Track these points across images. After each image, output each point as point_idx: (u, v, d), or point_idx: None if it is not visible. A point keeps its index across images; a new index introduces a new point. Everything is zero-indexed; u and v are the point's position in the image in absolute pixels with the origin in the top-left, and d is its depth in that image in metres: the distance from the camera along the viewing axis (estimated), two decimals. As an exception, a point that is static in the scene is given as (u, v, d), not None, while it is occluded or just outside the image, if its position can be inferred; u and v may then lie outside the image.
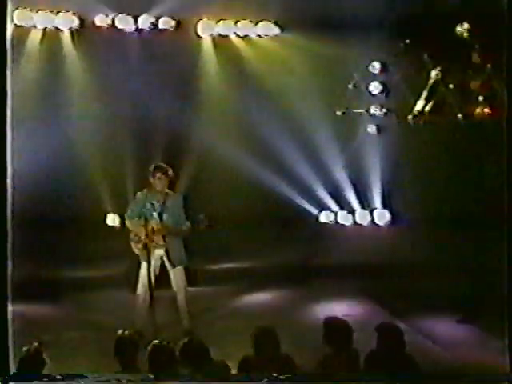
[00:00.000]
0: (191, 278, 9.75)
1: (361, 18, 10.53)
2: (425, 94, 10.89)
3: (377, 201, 11.63)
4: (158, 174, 9.32)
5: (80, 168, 11.16)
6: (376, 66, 11.31)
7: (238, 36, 11.41)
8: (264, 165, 11.25)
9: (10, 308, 7.04)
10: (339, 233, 11.67)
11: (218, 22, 11.31)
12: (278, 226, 11.33)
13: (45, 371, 6.77)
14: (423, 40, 10.58)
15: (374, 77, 11.37)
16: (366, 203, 11.70)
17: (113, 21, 11.14)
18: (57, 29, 11.09)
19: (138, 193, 9.48)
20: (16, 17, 10.61)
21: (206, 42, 11.41)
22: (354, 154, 11.47)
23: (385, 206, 11.62)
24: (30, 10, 10.83)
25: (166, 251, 9.32)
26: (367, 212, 11.70)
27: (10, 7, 7.46)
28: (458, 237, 10.14)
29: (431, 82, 10.83)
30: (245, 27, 11.37)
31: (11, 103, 7.20)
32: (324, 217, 11.80)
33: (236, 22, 11.35)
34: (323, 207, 11.78)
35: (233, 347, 7.84)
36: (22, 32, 10.78)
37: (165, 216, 9.28)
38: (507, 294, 6.74)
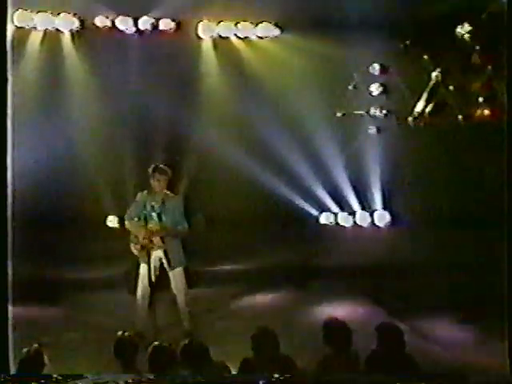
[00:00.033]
0: (191, 279, 9.75)
1: (361, 19, 10.52)
2: (425, 95, 10.88)
3: (377, 202, 11.62)
4: (157, 176, 9.34)
5: (80, 168, 11.16)
6: (376, 68, 11.29)
7: (239, 37, 11.40)
8: (264, 166, 11.25)
9: (10, 309, 7.06)
10: (339, 234, 11.66)
11: (219, 23, 11.30)
12: (278, 226, 11.32)
13: (45, 372, 6.78)
14: (423, 41, 10.59)
15: (374, 78, 11.35)
16: (366, 204, 11.69)
17: (113, 22, 11.14)
18: (57, 30, 11.08)
19: (138, 193, 9.51)
20: (16, 18, 10.62)
21: (207, 44, 11.40)
22: (354, 155, 11.45)
23: (385, 207, 11.60)
24: (31, 12, 10.82)
25: (165, 252, 9.33)
26: (367, 213, 11.69)
27: (10, 8, 7.51)
28: (458, 237, 10.14)
29: (431, 83, 10.82)
30: (245, 28, 11.36)
31: (12, 104, 7.22)
32: (324, 218, 11.79)
33: (236, 24, 11.34)
34: (323, 208, 11.77)
35: (233, 348, 7.84)
36: (22, 33, 10.78)
37: (164, 217, 9.30)
38: (507, 294, 6.76)
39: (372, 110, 11.43)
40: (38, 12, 10.89)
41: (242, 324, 9.09)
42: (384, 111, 11.39)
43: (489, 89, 10.37)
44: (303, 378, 6.84)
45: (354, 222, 11.76)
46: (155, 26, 11.17)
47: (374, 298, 10.25)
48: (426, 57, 10.74)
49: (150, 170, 9.39)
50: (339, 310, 9.83)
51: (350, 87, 11.34)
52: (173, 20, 11.19)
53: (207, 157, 11.40)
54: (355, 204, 11.71)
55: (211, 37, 11.36)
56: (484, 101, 10.43)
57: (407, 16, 10.39)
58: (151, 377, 6.65)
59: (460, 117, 10.64)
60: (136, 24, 11.17)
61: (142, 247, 9.27)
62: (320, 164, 11.47)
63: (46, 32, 11.05)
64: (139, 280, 9.43)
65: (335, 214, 11.79)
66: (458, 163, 10.75)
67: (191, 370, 6.68)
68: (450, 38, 10.33)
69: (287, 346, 7.11)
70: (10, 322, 7.10)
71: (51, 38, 11.08)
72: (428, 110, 10.88)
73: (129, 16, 11.16)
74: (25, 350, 6.87)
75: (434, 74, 10.79)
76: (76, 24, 11.05)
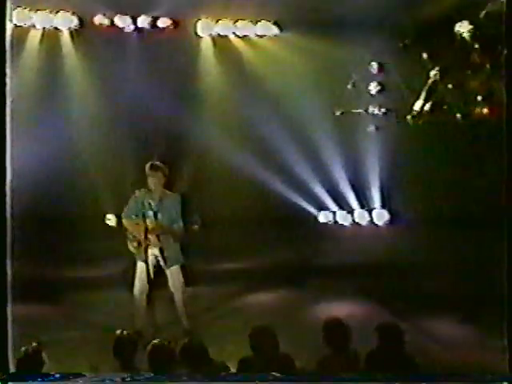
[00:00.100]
0: (190, 278, 9.75)
1: (360, 18, 10.52)
2: (424, 93, 10.88)
3: (376, 200, 11.63)
4: (152, 173, 9.35)
5: (80, 168, 11.16)
6: (375, 66, 11.30)
7: (238, 36, 11.40)
8: (263, 164, 11.25)
9: (9, 308, 7.06)
10: (338, 233, 11.67)
11: (218, 21, 11.30)
12: (277, 225, 11.32)
13: (44, 371, 6.78)
14: (422, 40, 10.59)
15: (373, 76, 11.35)
16: (364, 203, 11.70)
17: (112, 20, 11.13)
18: (56, 29, 11.06)
19: (137, 191, 9.49)
20: (15, 17, 10.58)
21: (206, 42, 11.40)
22: (353, 154, 11.46)
23: (384, 205, 11.62)
24: (29, 10, 10.81)
25: (161, 250, 9.34)
26: (366, 212, 11.70)
27: (9, 7, 7.49)
28: (458, 237, 10.14)
29: (430, 81, 10.82)
30: (244, 27, 11.36)
31: (10, 103, 7.21)
32: (323, 217, 11.79)
33: (235, 22, 11.34)
34: (322, 207, 11.78)
35: (232, 347, 7.85)
36: (21, 32, 10.75)
37: (160, 215, 9.30)
38: (507, 293, 6.76)
39: (371, 109, 11.44)
40: (37, 10, 10.87)
41: (241, 323, 9.08)
42: (383, 109, 11.40)
43: (487, 87, 10.37)
44: (303, 378, 6.85)
45: (353, 221, 11.77)
46: (154, 25, 11.17)
47: (373, 297, 10.24)
48: (424, 55, 10.74)
49: (147, 167, 9.41)
50: (338, 308, 9.84)
51: (349, 86, 11.34)
52: (172, 18, 11.19)
53: (206, 155, 11.40)
54: (354, 202, 11.72)
55: (210, 35, 11.36)
56: (483, 99, 10.43)
57: (406, 15, 10.40)
58: (150, 375, 6.66)
59: (459, 115, 10.63)
60: (135, 22, 11.16)
61: (139, 245, 9.29)
62: (319, 162, 11.48)
63: (44, 30, 11.03)
64: (136, 278, 9.44)
65: (334, 213, 11.79)
66: (456, 161, 10.74)
67: (190, 369, 6.68)
68: (449, 36, 10.33)
69: (287, 345, 7.12)
70: (9, 321, 7.09)
71: (50, 36, 11.05)
72: (427, 108, 10.88)
73: (128, 14, 11.16)
74: (24, 348, 6.88)
75: (432, 73, 10.79)
76: (75, 22, 11.03)
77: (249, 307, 10.38)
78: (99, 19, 11.07)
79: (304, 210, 11.70)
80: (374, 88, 11.39)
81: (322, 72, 11.24)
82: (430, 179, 10.89)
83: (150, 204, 9.30)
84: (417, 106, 10.92)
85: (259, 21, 11.33)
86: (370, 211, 11.69)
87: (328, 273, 10.81)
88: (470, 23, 10.23)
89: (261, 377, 6.55)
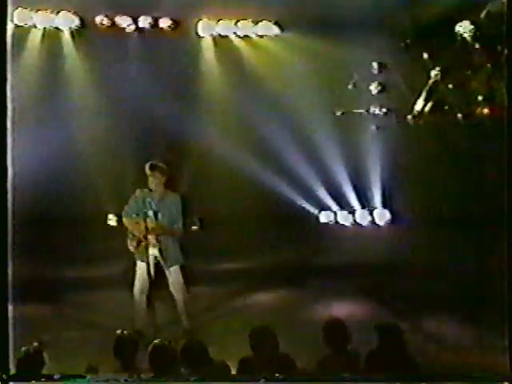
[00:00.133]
0: (190, 278, 9.75)
1: (361, 18, 10.51)
2: (424, 93, 10.87)
3: (377, 200, 11.63)
4: (152, 173, 9.36)
5: (80, 168, 11.15)
6: (376, 66, 11.29)
7: (238, 36, 11.39)
8: (264, 165, 11.25)
9: (10, 308, 7.06)
10: (339, 233, 11.67)
11: (218, 21, 11.29)
12: (278, 225, 11.32)
13: (44, 371, 6.79)
14: (423, 40, 10.59)
15: (373, 77, 11.35)
16: (365, 203, 11.70)
17: (113, 20, 11.12)
18: (57, 28, 11.06)
19: (137, 190, 9.50)
20: (16, 16, 10.59)
21: (206, 42, 11.39)
22: (354, 154, 11.45)
23: (385, 205, 11.61)
24: (30, 10, 10.81)
25: (160, 251, 9.34)
26: (367, 212, 11.70)
27: (10, 7, 7.50)
28: (458, 237, 10.13)
29: (431, 81, 10.82)
30: (245, 27, 11.35)
31: (11, 103, 7.21)
32: (324, 217, 11.79)
33: (236, 22, 11.33)
34: (323, 207, 11.77)
35: (232, 347, 7.84)
36: (22, 32, 10.75)
37: (160, 215, 9.30)
38: (507, 293, 6.76)
39: (372, 109, 11.43)
40: (38, 10, 10.87)
41: (241, 323, 9.07)
42: (384, 109, 11.39)
43: (488, 87, 10.36)
44: (303, 377, 6.86)
45: (354, 221, 11.77)
46: (155, 25, 11.16)
47: (373, 297, 10.26)
48: (425, 55, 10.74)
49: (146, 167, 9.42)
50: (339, 308, 9.85)
51: (350, 86, 11.33)
52: (172, 18, 11.18)
53: (206, 155, 11.40)
54: (355, 202, 11.72)
55: (211, 35, 11.35)
56: (483, 99, 10.42)
57: (407, 15, 10.40)
58: (151, 375, 6.67)
59: (459, 115, 10.62)
60: (136, 22, 11.16)
61: (138, 244, 9.29)
62: (319, 162, 11.47)
63: (45, 30, 11.03)
64: (136, 278, 9.45)
65: (335, 213, 11.79)
66: (457, 161, 10.74)
67: (191, 369, 6.69)
68: (450, 36, 10.32)
69: (287, 345, 7.12)
70: (10, 321, 7.09)
71: (51, 36, 11.05)
72: (427, 108, 10.87)
73: (129, 14, 11.15)
74: (24, 348, 6.88)
75: (433, 73, 10.78)
76: (76, 22, 11.02)
77: (249, 307, 10.38)
78: (100, 19, 11.07)
79: (305, 210, 11.69)
80: (374, 88, 11.38)
81: (322, 72, 11.24)
82: (431, 179, 10.88)
83: (150, 204, 9.31)
84: (418, 106, 10.92)
85: (260, 21, 11.32)
86: (371, 211, 11.69)
87: (328, 273, 10.83)
88: (471, 23, 10.22)
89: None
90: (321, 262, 11.22)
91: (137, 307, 9.41)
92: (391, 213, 11.59)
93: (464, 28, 10.27)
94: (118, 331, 7.14)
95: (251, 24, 11.35)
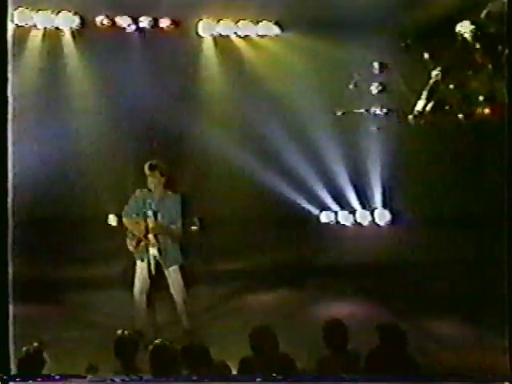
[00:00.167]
0: (190, 278, 9.74)
1: (361, 18, 10.51)
2: (425, 93, 10.87)
3: (377, 201, 11.63)
4: (151, 173, 9.35)
5: (80, 168, 11.16)
6: (376, 66, 11.29)
7: (239, 36, 11.40)
8: (264, 165, 11.26)
9: (10, 308, 7.06)
10: (340, 233, 11.68)
11: (219, 21, 11.30)
12: (278, 226, 11.32)
13: (45, 371, 6.78)
14: (424, 40, 10.58)
15: (374, 77, 11.35)
16: (366, 203, 11.70)
17: (113, 20, 11.13)
18: (57, 28, 11.07)
19: (137, 190, 9.49)
20: (16, 17, 10.59)
21: (207, 42, 11.40)
22: (355, 154, 11.46)
23: (385, 205, 11.62)
24: (31, 10, 10.81)
25: (159, 251, 9.33)
26: (368, 212, 11.70)
27: (10, 7, 7.49)
28: (458, 237, 10.14)
29: (432, 81, 10.81)
30: (245, 27, 11.36)
31: (12, 103, 7.21)
32: (324, 217, 11.80)
33: (236, 22, 11.34)
34: (324, 207, 11.78)
35: (233, 347, 7.84)
36: (22, 32, 10.76)
37: (159, 215, 9.30)
38: (507, 293, 6.75)
39: (372, 109, 11.44)
40: (39, 10, 10.88)
41: (241, 323, 9.07)
42: (384, 110, 11.39)
43: (489, 87, 10.36)
44: (303, 378, 6.85)
45: (355, 221, 11.78)
46: (156, 25, 11.17)
47: (373, 297, 10.25)
48: (426, 55, 10.73)
49: (145, 167, 9.41)
50: (339, 308, 9.84)
51: (351, 86, 11.33)
52: (173, 19, 11.18)
53: (206, 155, 11.40)
54: (355, 202, 11.72)
55: (211, 35, 11.36)
56: (484, 99, 10.42)
57: (408, 15, 10.39)
58: (151, 376, 6.66)
59: (460, 115, 10.62)
60: (136, 22, 11.16)
61: (138, 243, 9.29)
62: (320, 162, 11.48)
63: (46, 30, 11.03)
64: (136, 278, 9.44)
65: (335, 213, 11.80)
66: (458, 162, 10.75)
67: (191, 369, 6.68)
68: (451, 36, 10.32)
69: (287, 345, 7.12)
70: (10, 321, 7.09)
71: (51, 36, 11.06)
72: (428, 108, 10.87)
73: (129, 14, 11.16)
74: (25, 348, 6.88)
75: (434, 73, 10.78)
76: (76, 22, 11.03)
77: (249, 307, 10.38)
78: (101, 19, 11.07)
79: (305, 210, 11.70)
80: (375, 88, 11.38)
81: (323, 72, 11.24)
82: (432, 179, 10.89)
83: (149, 204, 9.30)
84: (418, 106, 10.91)
85: (260, 21, 11.34)
86: (371, 211, 11.69)
87: (328, 273, 10.82)
88: (472, 23, 10.22)
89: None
90: (321, 261, 11.21)
91: (137, 307, 9.40)
92: (392, 213, 11.60)
93: (464, 28, 10.27)
94: (118, 331, 7.13)
95: (252, 24, 11.37)
